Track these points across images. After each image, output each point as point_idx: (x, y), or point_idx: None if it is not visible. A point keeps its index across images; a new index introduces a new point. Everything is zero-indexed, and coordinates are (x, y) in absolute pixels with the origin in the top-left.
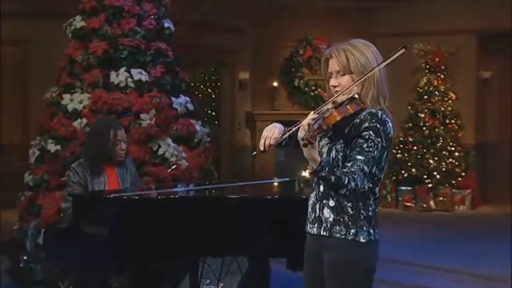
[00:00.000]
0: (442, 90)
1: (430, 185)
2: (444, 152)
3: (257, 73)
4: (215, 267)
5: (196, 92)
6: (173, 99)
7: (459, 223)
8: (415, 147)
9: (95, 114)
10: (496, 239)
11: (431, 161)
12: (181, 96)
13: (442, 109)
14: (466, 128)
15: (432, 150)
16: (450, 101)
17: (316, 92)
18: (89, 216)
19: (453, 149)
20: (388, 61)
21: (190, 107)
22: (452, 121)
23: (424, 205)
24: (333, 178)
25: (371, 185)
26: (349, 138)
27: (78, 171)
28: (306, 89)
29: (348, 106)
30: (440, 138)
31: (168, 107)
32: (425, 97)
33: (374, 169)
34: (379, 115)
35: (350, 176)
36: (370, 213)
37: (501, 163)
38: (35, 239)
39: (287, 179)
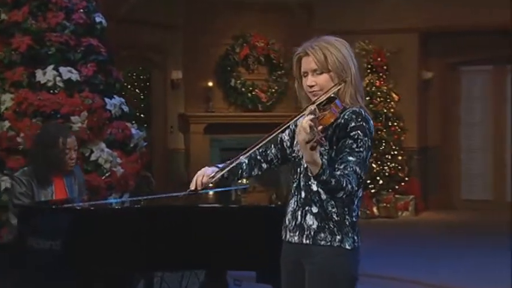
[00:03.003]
0: (385, 91)
1: (373, 191)
2: (387, 156)
3: (190, 72)
4: (171, 279)
5: (123, 93)
6: (106, 100)
7: (404, 230)
8: None
9: (19, 116)
10: (443, 246)
11: (374, 165)
12: (116, 97)
13: (385, 111)
14: (408, 130)
15: (375, 154)
16: (393, 103)
17: (253, 92)
18: (38, 230)
19: (396, 152)
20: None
21: (126, 108)
22: (395, 123)
23: (368, 212)
24: (333, 181)
25: (356, 186)
26: (334, 140)
27: (23, 180)
28: (243, 89)
29: (333, 106)
30: (383, 141)
31: (101, 108)
32: (368, 98)
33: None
34: (363, 114)
35: (346, 179)
36: (354, 219)
37: (442, 167)
38: None
39: (244, 186)
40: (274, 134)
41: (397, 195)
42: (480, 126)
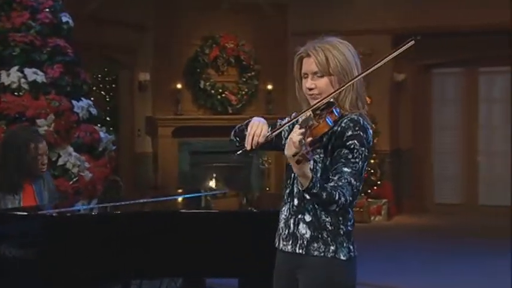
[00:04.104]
0: None
1: None
2: None
3: (159, 74)
4: (149, 287)
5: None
6: (74, 102)
7: (377, 235)
8: None
9: None
10: (416, 251)
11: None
12: (83, 99)
13: None
14: (381, 133)
15: None
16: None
17: (223, 95)
18: (8, 237)
19: None
20: (394, 54)
21: (94, 111)
22: None
23: None
24: (324, 195)
25: (351, 198)
26: (329, 149)
27: None
28: (213, 91)
29: (329, 115)
30: None
31: (68, 111)
32: None
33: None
34: (361, 122)
35: (339, 191)
36: (349, 228)
37: (415, 170)
38: None
39: (221, 191)
40: (283, 126)
41: (369, 199)
42: (452, 128)
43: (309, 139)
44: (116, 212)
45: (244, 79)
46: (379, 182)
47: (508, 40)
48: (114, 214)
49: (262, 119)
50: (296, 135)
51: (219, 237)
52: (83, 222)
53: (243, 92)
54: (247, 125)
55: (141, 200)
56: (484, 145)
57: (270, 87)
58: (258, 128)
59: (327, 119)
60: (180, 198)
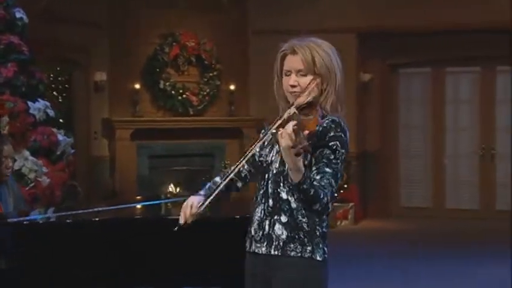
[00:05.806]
0: None
1: None
2: None
3: (115, 74)
4: None
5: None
6: (30, 103)
7: (344, 240)
8: None
9: None
10: (385, 256)
11: None
12: (40, 100)
13: None
14: None
15: None
16: None
17: (184, 95)
18: None
19: None
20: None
21: (51, 112)
22: None
23: None
24: (312, 191)
25: (330, 201)
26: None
27: None
28: (173, 92)
29: (315, 112)
30: None
31: (24, 113)
32: None
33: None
34: (342, 124)
35: (323, 191)
36: (324, 230)
37: (381, 173)
38: None
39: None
40: (255, 145)
41: (336, 203)
42: (419, 129)
43: (306, 132)
44: (89, 219)
45: (206, 79)
46: (345, 186)
47: (476, 40)
48: (86, 221)
49: (196, 197)
50: (290, 125)
51: (195, 244)
52: (53, 230)
53: (205, 93)
54: None
55: (98, 208)
56: (450, 147)
57: (232, 87)
58: (186, 204)
59: (316, 116)
60: (143, 205)
